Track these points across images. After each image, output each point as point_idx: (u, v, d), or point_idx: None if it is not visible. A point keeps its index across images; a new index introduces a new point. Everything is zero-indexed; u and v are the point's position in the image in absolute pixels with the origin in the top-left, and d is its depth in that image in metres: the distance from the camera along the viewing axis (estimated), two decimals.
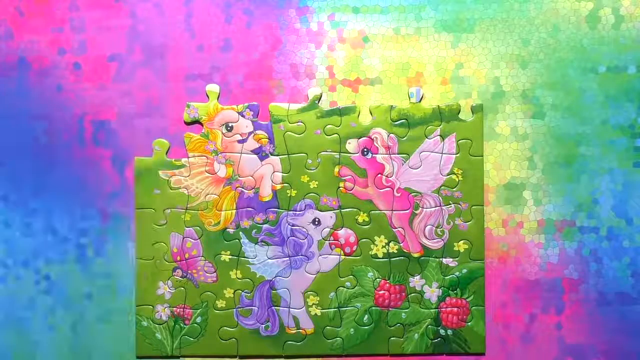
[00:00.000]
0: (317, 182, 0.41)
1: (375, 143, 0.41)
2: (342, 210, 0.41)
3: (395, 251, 0.40)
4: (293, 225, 0.41)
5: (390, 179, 0.41)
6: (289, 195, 0.41)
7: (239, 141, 0.41)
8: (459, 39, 0.41)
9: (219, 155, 0.41)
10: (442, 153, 0.40)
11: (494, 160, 0.41)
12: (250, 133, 0.41)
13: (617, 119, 0.41)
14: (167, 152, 0.41)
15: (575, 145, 0.41)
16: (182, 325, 0.41)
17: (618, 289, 0.41)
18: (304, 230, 0.41)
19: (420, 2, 0.41)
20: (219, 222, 0.41)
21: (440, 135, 0.40)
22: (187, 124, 0.41)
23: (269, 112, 0.41)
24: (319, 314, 0.41)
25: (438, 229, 0.40)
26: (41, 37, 0.41)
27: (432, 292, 0.40)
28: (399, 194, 0.41)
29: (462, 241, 0.40)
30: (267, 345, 0.41)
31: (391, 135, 0.40)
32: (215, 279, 0.41)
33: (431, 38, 0.41)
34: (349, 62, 0.41)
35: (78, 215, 0.41)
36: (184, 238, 0.41)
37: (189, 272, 0.41)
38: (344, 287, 0.41)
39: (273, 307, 0.41)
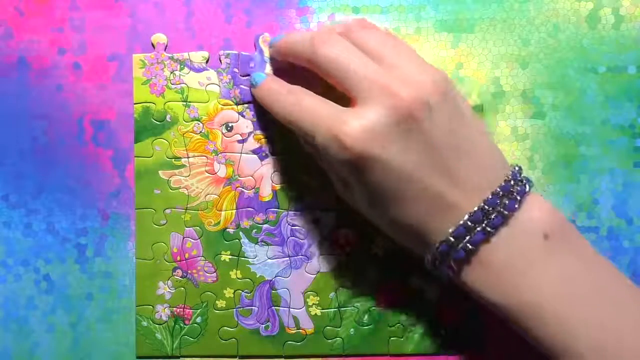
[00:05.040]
0: (317, 182, 0.41)
1: None
2: (342, 210, 0.40)
3: (396, 251, 0.40)
4: (293, 226, 0.41)
5: None
6: (289, 195, 0.41)
7: (239, 141, 0.41)
8: (459, 39, 0.41)
9: (219, 155, 0.41)
10: None
11: None
12: (250, 133, 0.41)
13: (617, 119, 0.41)
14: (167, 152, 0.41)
15: (575, 145, 0.41)
16: (182, 325, 0.41)
17: None
18: (304, 230, 0.41)
19: (420, 2, 0.41)
20: (219, 222, 0.41)
21: None
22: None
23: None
24: (319, 314, 0.41)
25: None
26: (41, 37, 0.41)
27: (432, 292, 0.40)
28: None
29: None
30: (267, 345, 0.41)
31: None
32: (215, 279, 0.41)
33: (431, 38, 0.41)
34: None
35: (78, 215, 0.41)
36: (184, 238, 0.41)
37: (189, 272, 0.41)
38: (344, 287, 0.41)
39: (273, 307, 0.41)
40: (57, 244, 0.41)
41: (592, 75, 0.41)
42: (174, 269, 0.41)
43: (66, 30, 0.41)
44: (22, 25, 0.41)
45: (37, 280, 0.41)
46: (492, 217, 0.30)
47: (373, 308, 0.41)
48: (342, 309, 0.41)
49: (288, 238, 0.41)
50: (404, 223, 0.31)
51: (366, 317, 0.41)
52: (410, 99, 0.29)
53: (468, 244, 0.30)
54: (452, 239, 0.30)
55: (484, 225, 0.30)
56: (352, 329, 0.41)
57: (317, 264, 0.41)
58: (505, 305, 0.31)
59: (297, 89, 0.34)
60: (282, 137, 0.41)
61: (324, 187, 0.40)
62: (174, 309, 0.41)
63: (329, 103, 0.32)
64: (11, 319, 0.41)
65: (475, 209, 0.30)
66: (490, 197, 0.30)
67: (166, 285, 0.41)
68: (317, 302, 0.41)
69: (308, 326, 0.41)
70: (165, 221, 0.41)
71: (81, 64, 0.41)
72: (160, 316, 0.41)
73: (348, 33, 0.33)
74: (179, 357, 0.41)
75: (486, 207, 0.30)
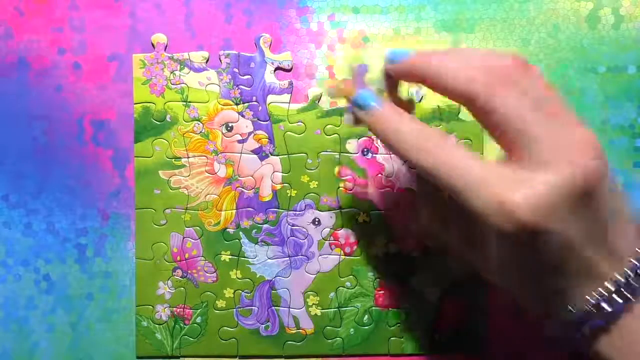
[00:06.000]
0: (317, 182, 0.41)
1: (375, 143, 0.41)
2: (342, 210, 0.41)
3: (395, 251, 0.40)
4: (293, 225, 0.41)
5: (390, 179, 0.41)
6: (289, 195, 0.41)
7: (239, 141, 0.41)
8: (459, 39, 0.41)
9: (219, 155, 0.41)
10: None
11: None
12: (250, 133, 0.41)
13: (617, 119, 0.41)
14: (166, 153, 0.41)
15: None
16: (182, 325, 0.41)
17: None
18: (304, 230, 0.41)
19: (420, 2, 0.41)
20: (219, 222, 0.41)
21: None
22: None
23: (269, 112, 0.41)
24: (319, 314, 0.41)
25: None
26: (41, 37, 0.41)
27: (432, 292, 0.40)
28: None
29: None
30: (267, 345, 0.41)
31: None
32: (215, 279, 0.41)
33: (431, 38, 0.41)
34: (349, 62, 0.41)
35: (78, 215, 0.41)
36: (184, 238, 0.41)
37: (189, 272, 0.41)
38: (344, 287, 0.41)
39: (273, 307, 0.41)
40: (57, 244, 0.41)
41: (592, 75, 0.41)
42: (174, 269, 0.41)
43: (66, 30, 0.41)
44: (22, 25, 0.41)
45: (37, 280, 0.41)
46: (635, 284, 0.27)
47: (373, 308, 0.41)
48: (342, 309, 0.41)
49: (288, 238, 0.41)
50: (548, 291, 0.28)
51: (366, 317, 0.41)
52: (592, 169, 0.26)
53: (609, 313, 0.27)
54: (593, 308, 0.28)
55: (626, 293, 0.27)
56: (352, 329, 0.41)
57: (317, 264, 0.41)
58: None
59: (434, 132, 0.29)
60: (282, 137, 0.41)
61: (324, 187, 0.41)
62: (174, 309, 0.41)
63: (479, 158, 0.28)
64: (11, 319, 0.41)
65: (620, 277, 0.27)
66: (633, 264, 0.28)
67: (166, 285, 0.41)
68: (317, 302, 0.41)
69: (308, 326, 0.41)
70: (165, 221, 0.41)
71: (81, 64, 0.41)
72: (160, 316, 0.41)
73: (516, 78, 0.28)
74: (179, 357, 0.41)
75: (630, 274, 0.27)
